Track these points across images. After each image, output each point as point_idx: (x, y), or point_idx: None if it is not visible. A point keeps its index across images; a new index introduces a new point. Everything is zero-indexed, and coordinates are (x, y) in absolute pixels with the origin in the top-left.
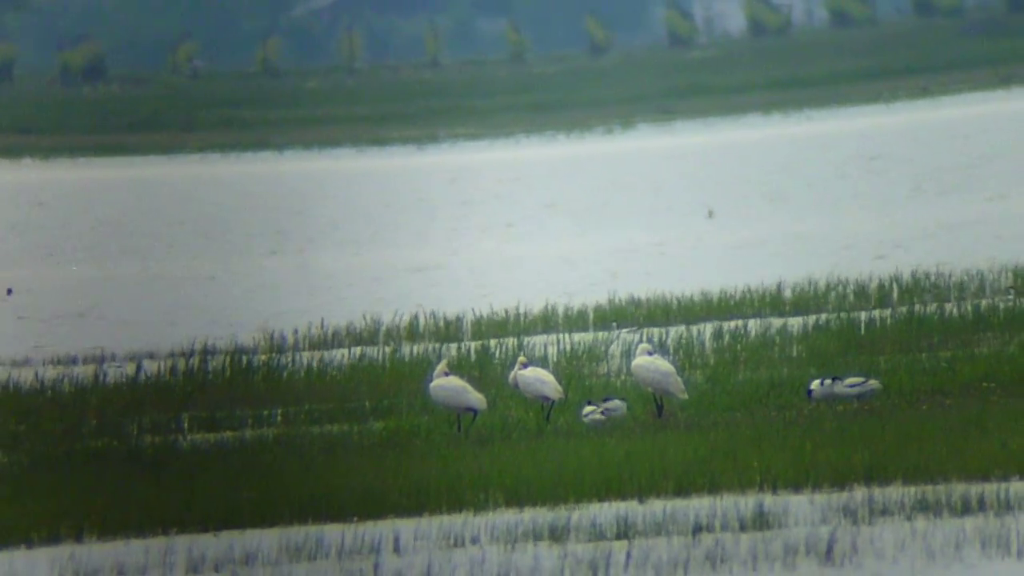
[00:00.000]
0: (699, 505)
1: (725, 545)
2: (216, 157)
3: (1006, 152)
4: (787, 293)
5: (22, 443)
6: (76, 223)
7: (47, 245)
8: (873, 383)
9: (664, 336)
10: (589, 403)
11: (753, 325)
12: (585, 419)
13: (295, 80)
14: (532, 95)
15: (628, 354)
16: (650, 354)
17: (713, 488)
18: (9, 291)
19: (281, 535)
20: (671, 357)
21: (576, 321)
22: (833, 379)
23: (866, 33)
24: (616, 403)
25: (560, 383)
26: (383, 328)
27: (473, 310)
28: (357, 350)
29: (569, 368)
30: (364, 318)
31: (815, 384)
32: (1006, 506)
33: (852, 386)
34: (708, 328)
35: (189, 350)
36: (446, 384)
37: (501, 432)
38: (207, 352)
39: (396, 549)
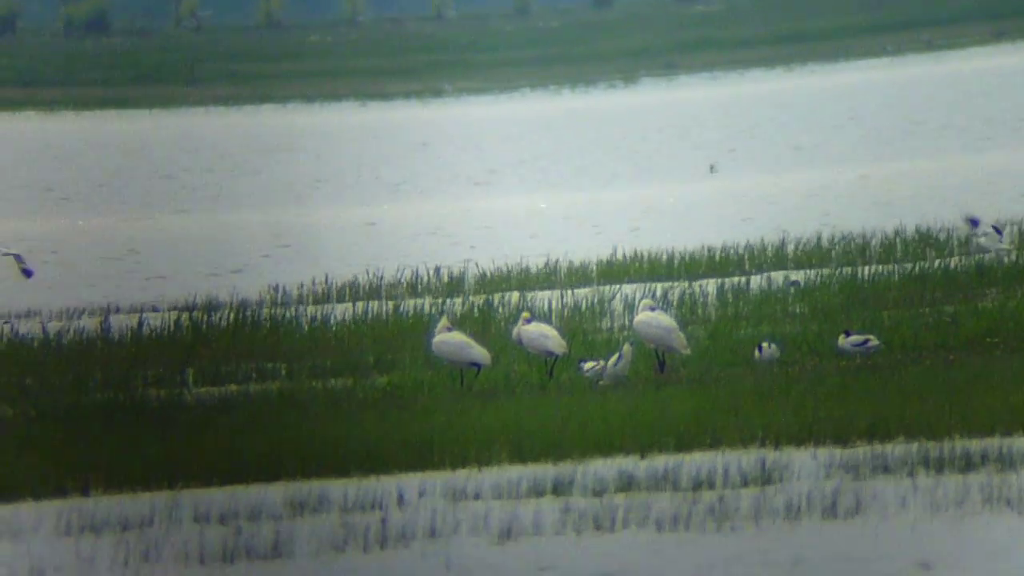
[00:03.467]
0: (701, 460)
1: (727, 501)
2: (219, 110)
3: (1004, 107)
4: (790, 248)
5: (28, 396)
6: (77, 175)
7: (47, 197)
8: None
9: (667, 292)
10: (583, 361)
11: (755, 281)
12: (587, 373)
13: (298, 33)
14: (536, 49)
15: (631, 309)
16: (652, 310)
17: (715, 443)
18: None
19: (285, 490)
20: (673, 313)
21: (578, 276)
22: (766, 342)
23: None
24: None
25: (563, 338)
26: (385, 283)
27: (476, 264)
28: (360, 305)
29: (572, 323)
30: (367, 273)
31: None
32: (1009, 462)
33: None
34: (711, 284)
35: (192, 304)
36: (449, 339)
37: (504, 387)
38: (211, 306)
39: (400, 504)
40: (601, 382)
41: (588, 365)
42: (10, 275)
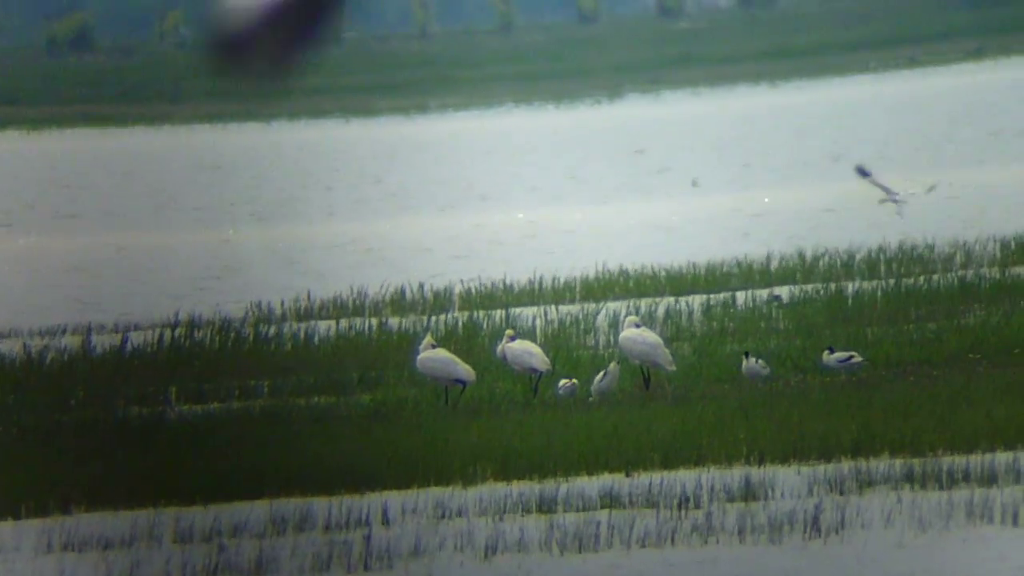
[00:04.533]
0: (686, 477)
1: (712, 517)
2: (203, 128)
3: (989, 122)
4: (774, 264)
5: (10, 414)
6: (59, 193)
7: (29, 215)
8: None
9: (652, 308)
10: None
11: (740, 297)
12: (560, 392)
13: None
14: (521, 65)
15: (615, 326)
16: (637, 326)
17: (700, 460)
18: None
19: (268, 507)
20: (659, 329)
21: (563, 293)
22: (752, 356)
23: (854, 4)
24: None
25: (548, 355)
26: (369, 300)
27: (461, 282)
28: (344, 322)
29: (556, 340)
30: (351, 290)
31: (747, 360)
32: (992, 477)
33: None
34: (696, 300)
35: (175, 321)
36: (434, 356)
37: (489, 404)
38: (193, 323)
39: (384, 521)
40: (591, 399)
41: (562, 383)
42: None
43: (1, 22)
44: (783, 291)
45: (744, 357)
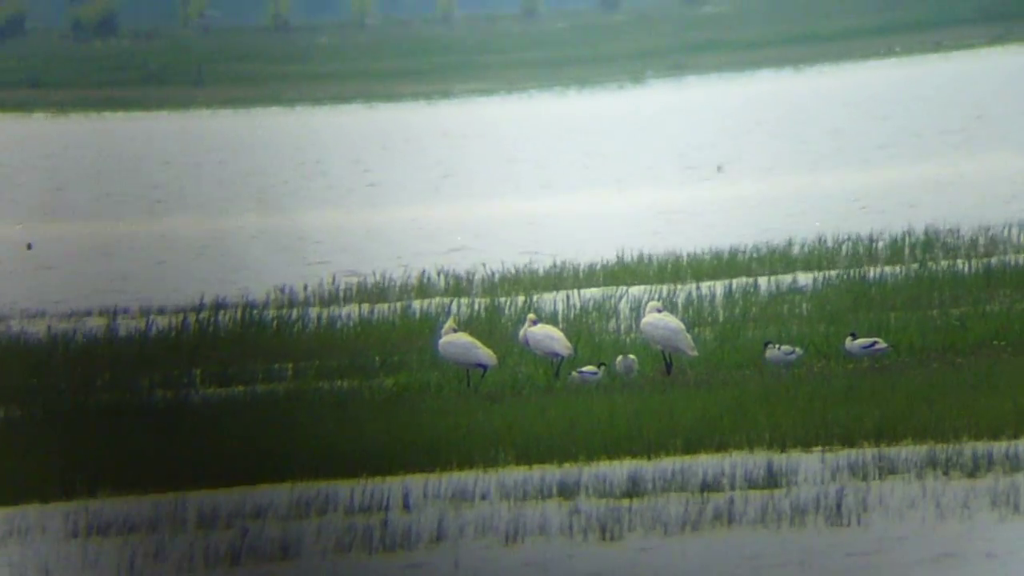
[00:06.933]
0: (708, 463)
1: (734, 503)
2: (226, 112)
3: (1012, 108)
4: (796, 250)
5: (35, 397)
6: (87, 177)
7: (58, 199)
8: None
9: (674, 294)
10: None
11: (763, 282)
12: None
13: (306, 35)
14: (544, 51)
15: (638, 311)
16: (659, 311)
17: (722, 446)
18: (29, 245)
19: (291, 491)
20: (680, 314)
21: (585, 278)
22: (775, 345)
23: None
24: (593, 368)
25: (569, 340)
26: (395, 285)
27: (484, 266)
28: (367, 306)
29: (578, 325)
30: (374, 274)
31: (770, 348)
32: (1016, 465)
33: (788, 353)
34: (718, 285)
35: (200, 305)
36: (455, 340)
37: (511, 389)
38: (218, 307)
39: (406, 505)
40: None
41: (586, 368)
42: (17, 271)
43: (27, 7)
44: (806, 277)
45: (765, 347)
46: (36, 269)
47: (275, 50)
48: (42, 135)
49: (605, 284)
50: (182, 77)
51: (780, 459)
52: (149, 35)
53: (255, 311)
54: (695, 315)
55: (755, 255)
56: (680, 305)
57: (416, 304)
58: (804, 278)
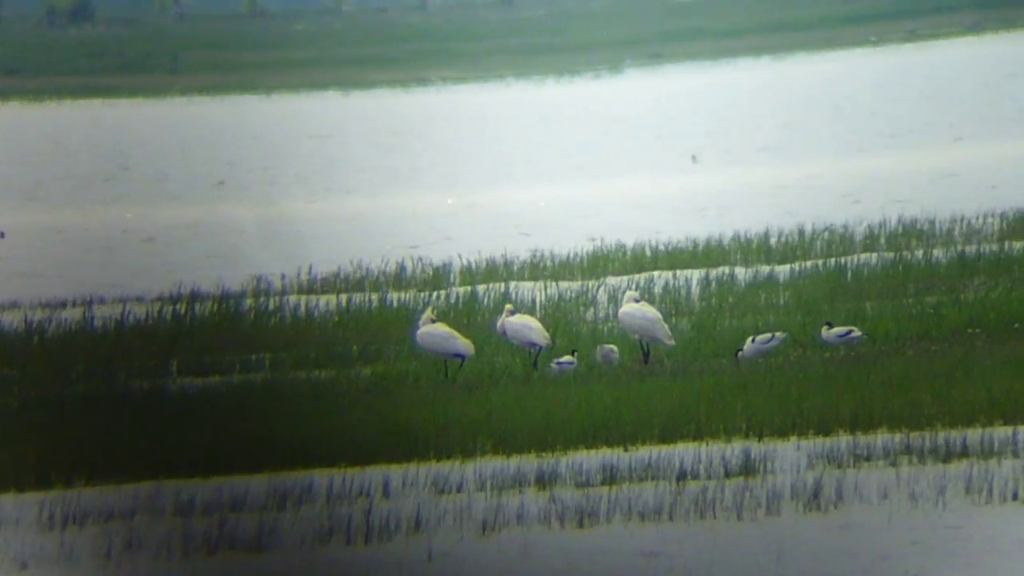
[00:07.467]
0: (684, 451)
1: (710, 492)
2: (202, 100)
3: (987, 98)
4: (773, 240)
5: (10, 387)
6: (61, 165)
7: (32, 187)
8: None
9: (651, 282)
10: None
11: (740, 271)
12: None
13: (282, 22)
14: (521, 38)
15: (615, 300)
16: (636, 301)
17: (699, 435)
18: (2, 234)
19: (269, 481)
20: (658, 304)
21: (563, 268)
22: (764, 337)
23: None
24: (569, 358)
25: (547, 330)
26: (372, 275)
27: (460, 256)
28: (344, 296)
29: (556, 315)
30: (351, 264)
31: (747, 343)
32: (990, 452)
33: (765, 342)
34: (695, 275)
35: (176, 295)
36: (433, 331)
37: (489, 379)
38: (194, 297)
39: (385, 495)
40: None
41: (563, 359)
42: None
43: None
44: (782, 268)
45: (746, 343)
46: (10, 258)
47: (251, 37)
48: (17, 123)
49: (583, 274)
50: (158, 64)
51: (757, 447)
52: (125, 22)
53: (232, 301)
54: (672, 304)
55: (732, 244)
56: (657, 294)
57: (393, 295)
58: (781, 268)
